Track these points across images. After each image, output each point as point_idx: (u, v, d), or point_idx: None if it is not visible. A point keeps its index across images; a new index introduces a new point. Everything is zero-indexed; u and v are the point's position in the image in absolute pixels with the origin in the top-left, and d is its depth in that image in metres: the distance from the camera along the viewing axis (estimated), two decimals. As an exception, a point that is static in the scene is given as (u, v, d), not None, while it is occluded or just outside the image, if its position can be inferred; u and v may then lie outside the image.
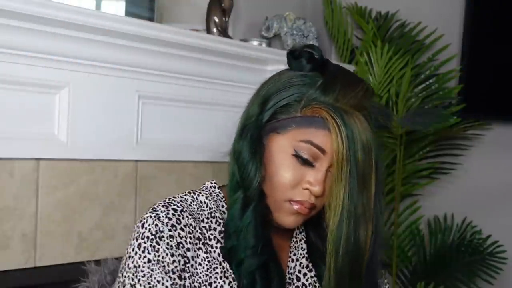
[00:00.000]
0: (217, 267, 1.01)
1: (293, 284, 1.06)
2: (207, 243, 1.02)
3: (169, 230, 0.98)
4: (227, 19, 2.21)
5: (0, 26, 1.50)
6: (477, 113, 2.67)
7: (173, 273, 0.97)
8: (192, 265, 1.00)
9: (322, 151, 0.96)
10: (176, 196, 1.04)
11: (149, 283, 0.95)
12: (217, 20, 2.18)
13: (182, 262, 0.98)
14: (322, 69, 1.01)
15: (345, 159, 0.95)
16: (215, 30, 2.17)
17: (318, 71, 1.00)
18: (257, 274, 0.98)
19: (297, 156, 0.97)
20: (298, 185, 0.98)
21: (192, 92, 2.02)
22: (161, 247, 0.97)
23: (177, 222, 0.99)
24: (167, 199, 1.03)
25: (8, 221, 1.59)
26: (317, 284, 1.07)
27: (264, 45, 2.30)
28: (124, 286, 0.97)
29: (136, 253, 0.98)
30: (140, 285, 0.96)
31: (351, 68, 2.69)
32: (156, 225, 0.98)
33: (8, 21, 1.50)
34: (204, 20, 2.20)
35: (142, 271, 0.96)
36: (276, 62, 2.19)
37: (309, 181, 0.97)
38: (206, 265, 1.00)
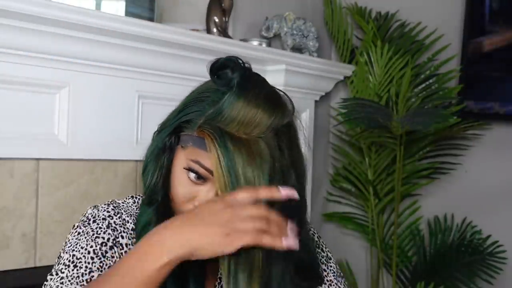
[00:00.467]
0: None
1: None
2: None
3: (104, 216, 1.04)
4: (227, 19, 2.21)
5: (0, 26, 1.50)
6: (477, 113, 2.67)
7: (102, 245, 1.01)
8: (126, 251, 1.03)
9: (211, 172, 0.96)
10: (119, 199, 1.10)
11: (72, 250, 1.00)
12: (217, 20, 2.18)
13: (111, 241, 1.02)
14: (234, 87, 0.98)
15: (226, 186, 0.93)
16: (215, 30, 2.17)
17: (228, 89, 0.97)
18: None
19: (188, 172, 0.99)
20: (191, 201, 0.99)
21: (192, 92, 2.02)
22: (92, 225, 1.03)
23: (114, 214, 1.05)
24: (110, 200, 1.09)
25: (8, 221, 1.59)
26: None
27: (264, 45, 2.30)
28: (58, 264, 1.01)
29: (70, 233, 1.04)
30: (65, 252, 1.00)
31: (351, 68, 2.69)
32: (94, 213, 1.05)
33: (8, 21, 1.50)
34: (204, 20, 2.20)
35: (70, 242, 1.02)
36: (276, 62, 2.19)
37: (199, 200, 0.98)
38: None
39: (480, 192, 2.72)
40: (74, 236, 1.03)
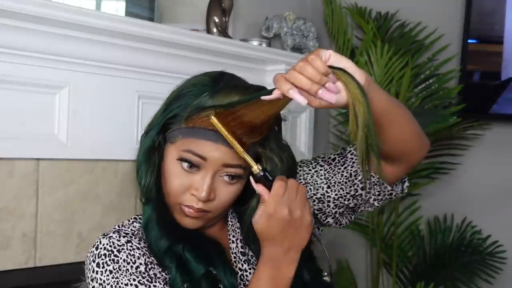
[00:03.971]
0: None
1: (241, 260, 1.12)
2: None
3: (125, 243, 1.04)
4: (227, 19, 2.21)
5: (0, 26, 1.50)
6: (477, 113, 2.68)
7: (140, 272, 1.01)
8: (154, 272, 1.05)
9: (203, 158, 1.03)
10: (124, 223, 1.12)
11: None
12: (217, 20, 2.18)
13: (143, 266, 1.03)
14: (215, 78, 1.07)
15: None
16: (215, 30, 2.17)
17: (210, 80, 1.06)
18: (182, 251, 1.05)
19: (181, 162, 1.04)
20: (187, 191, 1.05)
21: (192, 92, 2.02)
22: (120, 258, 1.02)
23: (129, 241, 1.05)
24: (117, 226, 1.10)
25: (8, 221, 1.59)
26: (256, 260, 1.12)
27: (264, 45, 2.30)
28: None
29: (97, 272, 1.02)
30: None
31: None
32: (112, 243, 1.04)
33: (8, 21, 1.50)
34: (204, 20, 2.20)
35: (108, 284, 1.00)
36: (276, 62, 2.19)
37: (195, 187, 1.04)
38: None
39: (480, 192, 2.72)
40: (107, 276, 1.01)
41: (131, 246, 1.04)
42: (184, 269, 1.04)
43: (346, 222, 1.25)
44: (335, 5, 2.80)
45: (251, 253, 1.14)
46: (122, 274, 1.00)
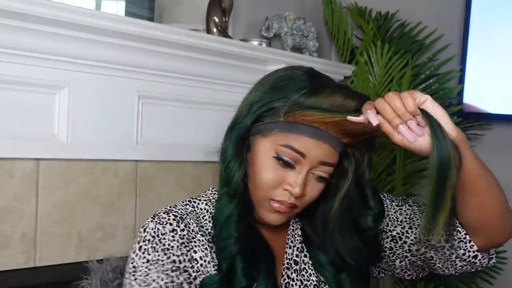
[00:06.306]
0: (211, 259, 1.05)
1: (292, 268, 1.10)
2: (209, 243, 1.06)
3: (171, 231, 1.02)
4: (227, 19, 2.21)
5: (0, 26, 1.50)
6: (477, 113, 2.67)
7: (172, 271, 1.00)
8: (201, 265, 1.03)
9: (302, 155, 1.01)
10: (177, 204, 1.09)
11: (144, 281, 0.99)
12: (217, 20, 2.18)
13: (185, 261, 1.02)
14: (310, 74, 1.05)
15: None
16: (215, 30, 2.17)
17: (306, 76, 1.03)
18: (238, 259, 1.03)
19: (278, 158, 1.02)
20: (279, 186, 1.03)
21: (192, 92, 2.02)
22: (160, 247, 1.00)
23: (177, 226, 1.03)
24: (169, 206, 1.07)
25: (8, 221, 1.59)
26: (312, 267, 1.11)
27: (264, 45, 2.30)
28: (125, 286, 1.01)
29: (136, 255, 1.01)
30: (136, 283, 0.99)
31: (351, 68, 2.69)
32: (158, 229, 1.02)
33: (8, 21, 1.50)
34: (204, 20, 2.20)
35: (140, 271, 1.00)
36: (276, 62, 2.19)
37: (289, 183, 1.02)
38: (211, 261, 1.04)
39: (480, 192, 2.71)
40: (142, 262, 1.00)
41: (176, 233, 1.02)
42: (227, 277, 1.02)
43: (413, 276, 1.17)
44: (335, 5, 2.80)
45: (307, 261, 1.12)
46: (154, 269, 0.99)
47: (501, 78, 2.62)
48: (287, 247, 1.12)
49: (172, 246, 1.01)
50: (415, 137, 0.92)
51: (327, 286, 1.11)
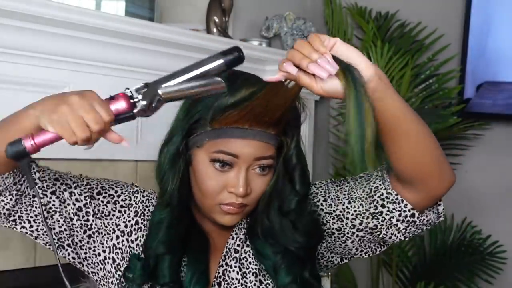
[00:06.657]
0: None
1: (231, 256, 1.14)
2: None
3: (138, 189, 1.17)
4: (227, 19, 2.21)
5: (0, 26, 1.50)
6: (477, 113, 2.68)
7: (99, 194, 1.14)
8: (123, 231, 1.14)
9: (235, 156, 1.05)
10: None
11: (86, 177, 1.19)
12: (217, 20, 2.18)
13: (128, 202, 1.15)
14: (229, 78, 1.05)
15: None
16: (215, 30, 2.17)
17: (226, 80, 1.02)
18: (163, 257, 1.09)
19: (214, 161, 1.06)
20: (223, 190, 1.07)
21: (192, 92, 2.02)
22: (120, 183, 1.17)
23: (147, 195, 1.17)
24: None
25: (8, 221, 1.59)
26: (253, 256, 1.15)
27: (264, 45, 2.30)
28: None
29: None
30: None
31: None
32: (132, 183, 1.19)
33: (8, 21, 1.50)
34: (204, 20, 2.20)
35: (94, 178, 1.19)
36: (276, 62, 2.19)
37: (232, 185, 1.06)
38: (130, 233, 1.14)
39: (480, 192, 2.72)
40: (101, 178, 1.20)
41: (142, 192, 1.17)
42: (153, 273, 1.09)
43: (369, 252, 1.17)
44: (335, 5, 2.80)
45: (248, 251, 1.15)
46: (99, 181, 1.17)
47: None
48: (229, 238, 1.15)
49: (129, 192, 1.16)
50: (327, 73, 0.90)
51: (266, 273, 1.14)
